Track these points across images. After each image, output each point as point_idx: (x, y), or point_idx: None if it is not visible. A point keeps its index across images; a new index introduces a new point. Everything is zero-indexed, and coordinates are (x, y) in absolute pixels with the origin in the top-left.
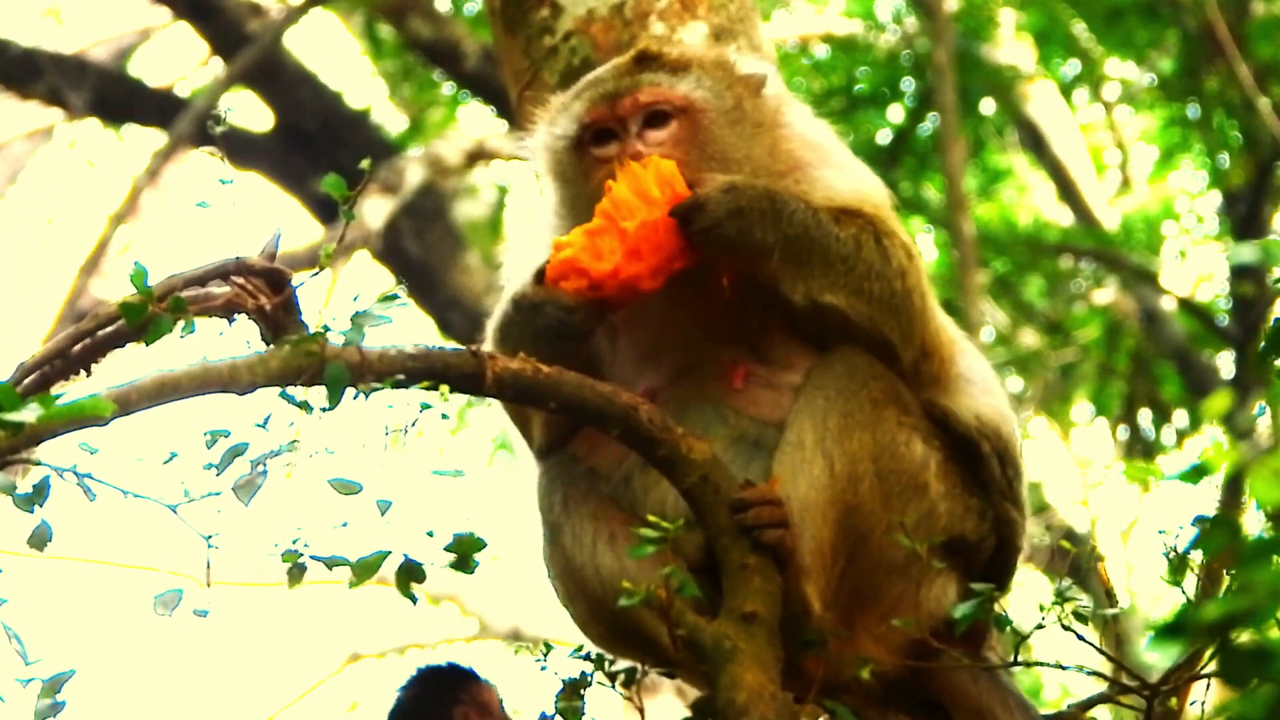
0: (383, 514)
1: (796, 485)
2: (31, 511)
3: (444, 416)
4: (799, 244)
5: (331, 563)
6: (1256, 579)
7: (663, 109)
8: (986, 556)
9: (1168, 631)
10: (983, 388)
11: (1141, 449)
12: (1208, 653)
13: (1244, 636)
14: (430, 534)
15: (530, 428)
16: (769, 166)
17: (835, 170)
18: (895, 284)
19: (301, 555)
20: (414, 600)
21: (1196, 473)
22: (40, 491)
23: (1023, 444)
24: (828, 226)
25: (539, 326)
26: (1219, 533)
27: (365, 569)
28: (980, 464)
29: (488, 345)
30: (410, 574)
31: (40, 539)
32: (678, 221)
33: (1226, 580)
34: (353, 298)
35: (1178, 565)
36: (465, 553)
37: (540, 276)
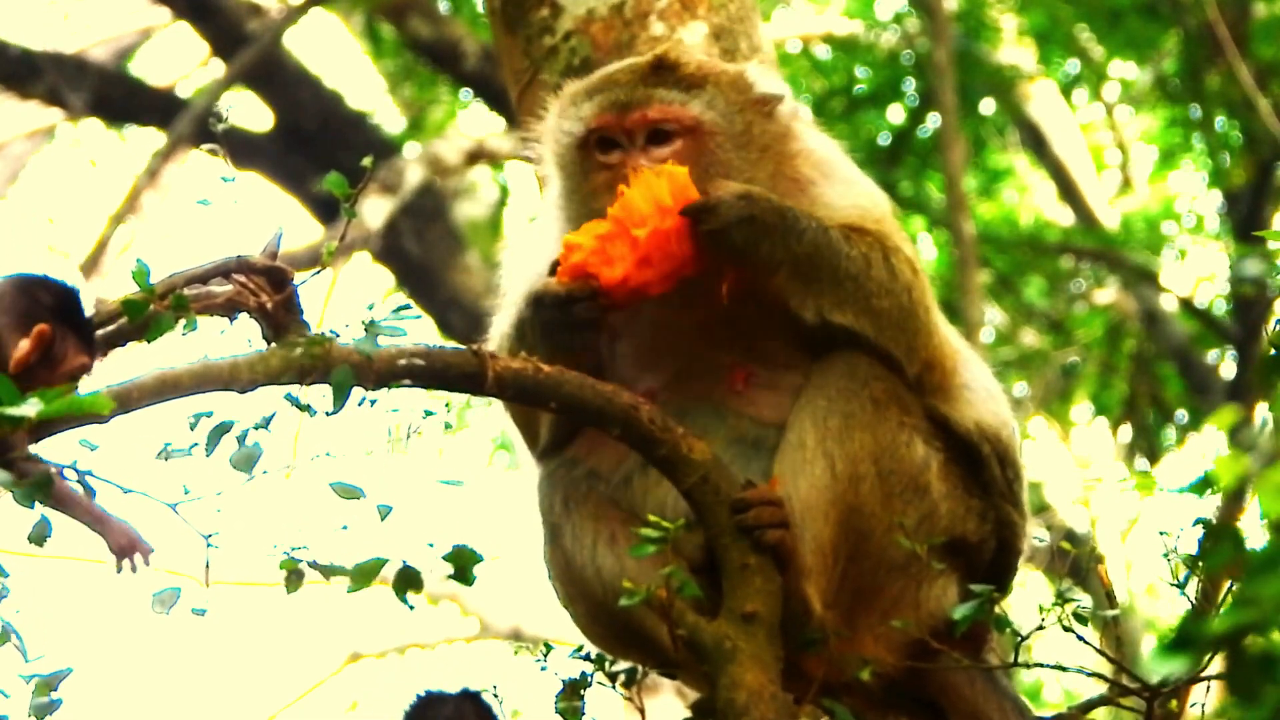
0: (383, 518)
1: (797, 485)
2: (31, 507)
3: (447, 426)
4: (809, 262)
5: (329, 571)
6: (1262, 591)
7: (669, 127)
8: (988, 558)
9: (1174, 645)
10: (984, 396)
11: (1145, 448)
12: (1208, 655)
13: (1252, 645)
14: (430, 545)
15: (536, 427)
16: (770, 189)
17: (839, 185)
18: (902, 299)
19: (300, 562)
20: (411, 608)
21: (1203, 486)
22: (40, 488)
23: (1022, 448)
24: (838, 245)
25: (566, 321)
26: (1223, 543)
27: (363, 575)
28: (981, 465)
29: (493, 343)
30: (408, 581)
31: (40, 535)
32: (689, 221)
33: (1228, 588)
34: (367, 306)
35: (1182, 571)
36: (463, 565)
37: (554, 270)
